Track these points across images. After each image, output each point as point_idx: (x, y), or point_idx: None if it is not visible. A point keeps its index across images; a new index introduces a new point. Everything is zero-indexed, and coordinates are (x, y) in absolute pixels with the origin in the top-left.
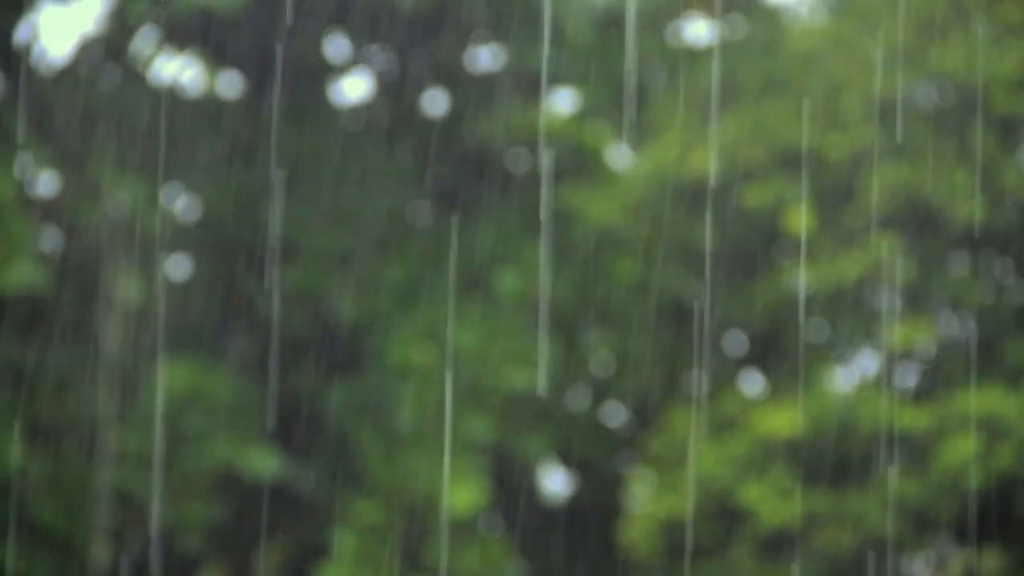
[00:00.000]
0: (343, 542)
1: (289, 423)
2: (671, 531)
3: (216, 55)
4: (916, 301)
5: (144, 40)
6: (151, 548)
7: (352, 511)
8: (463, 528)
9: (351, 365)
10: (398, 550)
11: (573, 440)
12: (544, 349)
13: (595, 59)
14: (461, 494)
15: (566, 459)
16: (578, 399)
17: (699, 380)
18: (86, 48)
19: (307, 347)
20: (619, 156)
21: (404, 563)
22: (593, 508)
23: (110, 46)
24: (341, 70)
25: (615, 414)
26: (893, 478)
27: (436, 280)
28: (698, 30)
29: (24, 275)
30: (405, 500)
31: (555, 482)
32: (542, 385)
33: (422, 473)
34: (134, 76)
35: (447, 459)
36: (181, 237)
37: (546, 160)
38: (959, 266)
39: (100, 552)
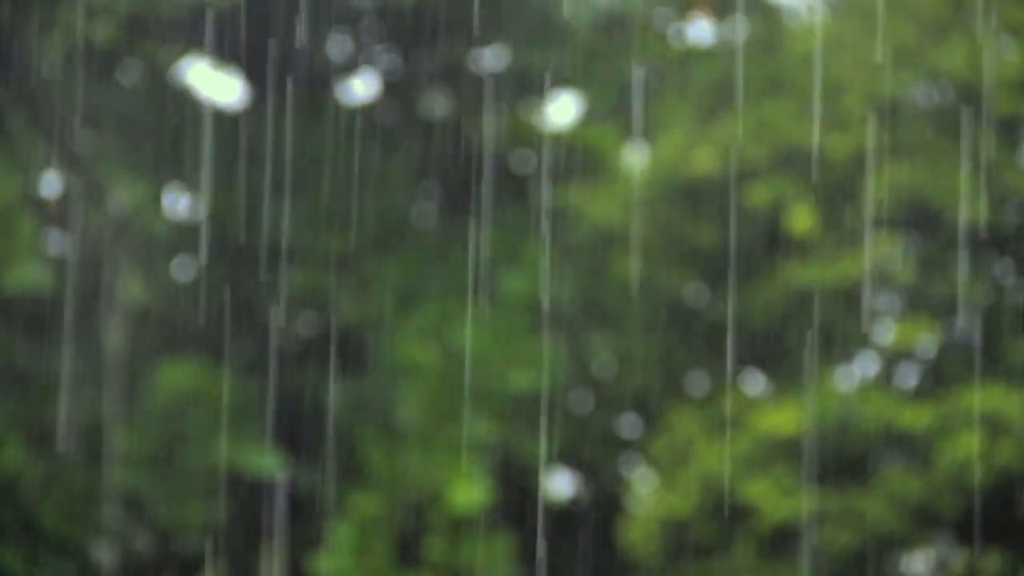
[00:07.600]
0: (341, 533)
1: (292, 422)
2: (673, 530)
3: (219, 55)
4: (917, 301)
5: (148, 39)
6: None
7: (351, 504)
8: (462, 524)
9: (354, 365)
10: (396, 543)
11: (576, 441)
12: (546, 350)
13: (598, 59)
14: (463, 491)
15: (569, 460)
16: (581, 400)
17: (701, 380)
18: (89, 48)
19: (311, 347)
20: (623, 156)
21: (402, 556)
22: (596, 508)
23: (114, 46)
24: (345, 70)
25: (618, 414)
26: (895, 476)
27: (439, 280)
28: (700, 30)
29: (29, 276)
30: (404, 495)
31: (559, 483)
32: (544, 386)
33: (422, 469)
34: (138, 76)
35: (451, 457)
36: (184, 237)
37: (549, 160)
38: (960, 266)
39: (102, 553)
